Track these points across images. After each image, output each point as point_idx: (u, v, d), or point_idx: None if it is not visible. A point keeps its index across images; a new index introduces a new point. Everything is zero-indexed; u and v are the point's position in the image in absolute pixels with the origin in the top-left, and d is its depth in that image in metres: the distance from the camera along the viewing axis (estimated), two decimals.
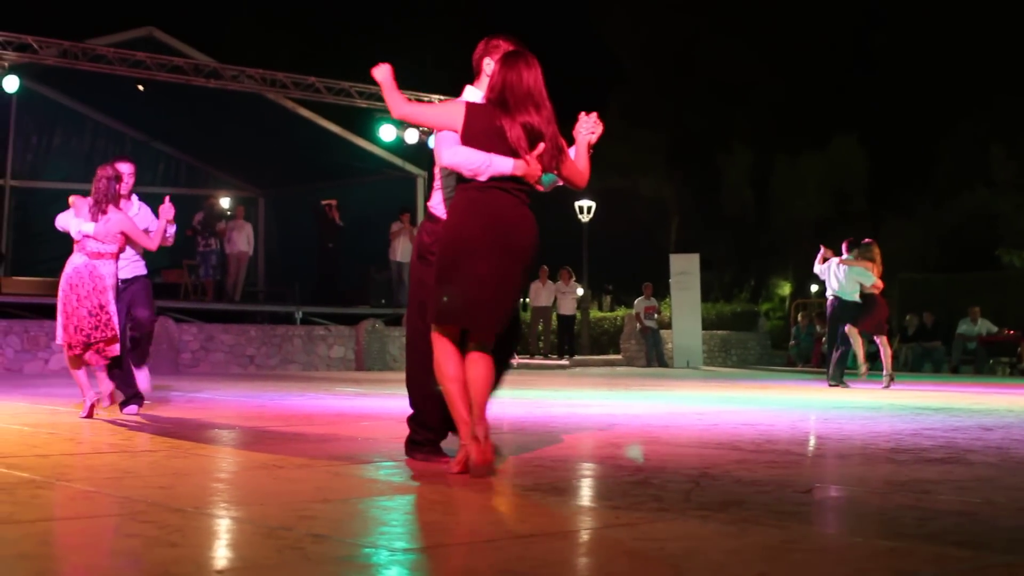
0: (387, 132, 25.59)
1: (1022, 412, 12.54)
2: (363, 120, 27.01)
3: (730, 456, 7.52)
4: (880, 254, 18.47)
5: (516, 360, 26.61)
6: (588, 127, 6.87)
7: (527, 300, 31.88)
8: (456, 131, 6.54)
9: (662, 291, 35.63)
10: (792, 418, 11.43)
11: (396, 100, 6.65)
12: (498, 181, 6.46)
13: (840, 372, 18.21)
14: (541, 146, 6.46)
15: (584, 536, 4.77)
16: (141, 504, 5.30)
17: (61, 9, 39.95)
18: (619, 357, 32.79)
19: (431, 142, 25.99)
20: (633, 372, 26.46)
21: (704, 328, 32.20)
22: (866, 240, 18.76)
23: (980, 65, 48.04)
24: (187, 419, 10.48)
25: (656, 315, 31.52)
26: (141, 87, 24.03)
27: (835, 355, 18.29)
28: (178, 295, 25.84)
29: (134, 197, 11.06)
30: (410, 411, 7.23)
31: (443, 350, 6.53)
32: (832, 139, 50.39)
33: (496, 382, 6.81)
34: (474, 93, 7.00)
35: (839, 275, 18.18)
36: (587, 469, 7.12)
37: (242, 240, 27.16)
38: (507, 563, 4.18)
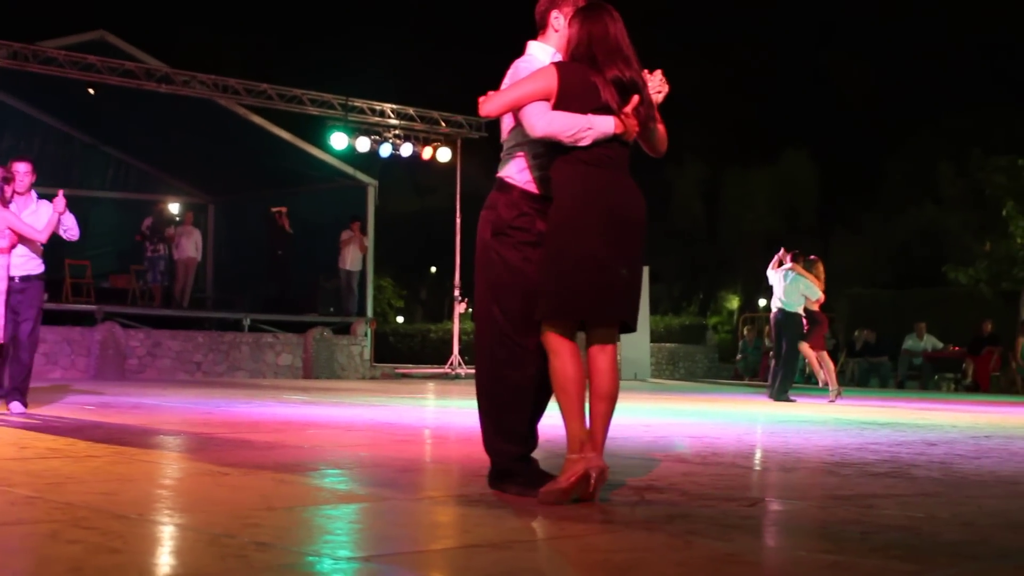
0: (338, 140, 25.58)
1: (966, 428, 12.63)
2: (315, 128, 27.01)
3: (676, 468, 7.53)
4: (824, 271, 18.68)
5: (463, 371, 26.67)
6: (654, 86, 6.18)
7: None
8: (549, 99, 5.84)
9: None
10: (738, 431, 11.47)
11: (494, 102, 5.95)
12: (604, 147, 5.84)
13: (786, 388, 18.28)
14: (635, 98, 5.84)
15: (530, 547, 4.76)
16: (83, 510, 5.25)
17: (11, 10, 39.69)
18: None
19: (381, 151, 26.21)
20: None
21: (652, 341, 32.36)
22: (812, 256, 18.94)
23: (929, 83, 48.45)
24: (132, 425, 10.42)
25: None
26: (92, 90, 23.92)
27: (779, 373, 18.37)
28: (125, 300, 25.72)
29: (33, 194, 11.47)
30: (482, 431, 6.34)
31: (564, 348, 5.83)
32: (783, 154, 50.65)
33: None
34: (540, 48, 6.27)
35: (784, 283, 18.27)
36: None
37: (190, 246, 27.08)
38: (452, 573, 4.18)
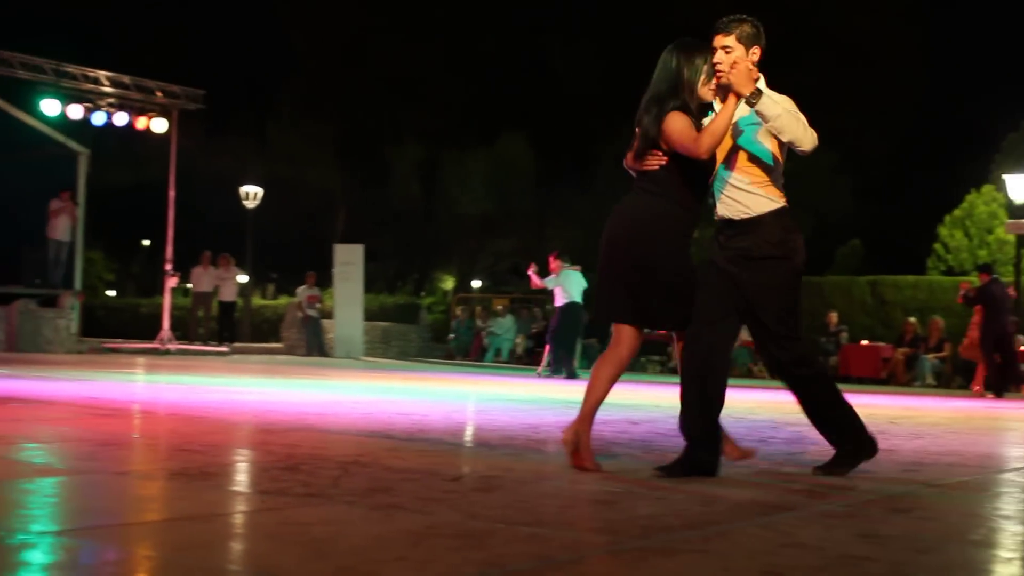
0: (49, 106, 24.93)
1: (668, 408, 12.99)
2: (24, 93, 26.18)
3: (382, 444, 7.58)
4: None
5: (174, 346, 26.28)
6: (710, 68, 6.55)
7: (189, 285, 31.52)
8: None
9: (325, 281, 35.62)
10: (447, 409, 11.59)
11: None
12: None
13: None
14: (634, 145, 6.68)
15: (229, 520, 4.74)
16: None
17: None
18: (280, 345, 32.72)
19: (95, 119, 25.62)
20: (293, 361, 26.42)
21: (366, 319, 32.39)
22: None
23: (643, 70, 49.49)
24: None
25: (318, 304, 31.50)
26: None
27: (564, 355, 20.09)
28: None
29: None
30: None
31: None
32: (500, 137, 51.15)
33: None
34: None
35: (570, 281, 19.95)
36: (238, 455, 7.08)
37: None
38: (150, 547, 4.14)
